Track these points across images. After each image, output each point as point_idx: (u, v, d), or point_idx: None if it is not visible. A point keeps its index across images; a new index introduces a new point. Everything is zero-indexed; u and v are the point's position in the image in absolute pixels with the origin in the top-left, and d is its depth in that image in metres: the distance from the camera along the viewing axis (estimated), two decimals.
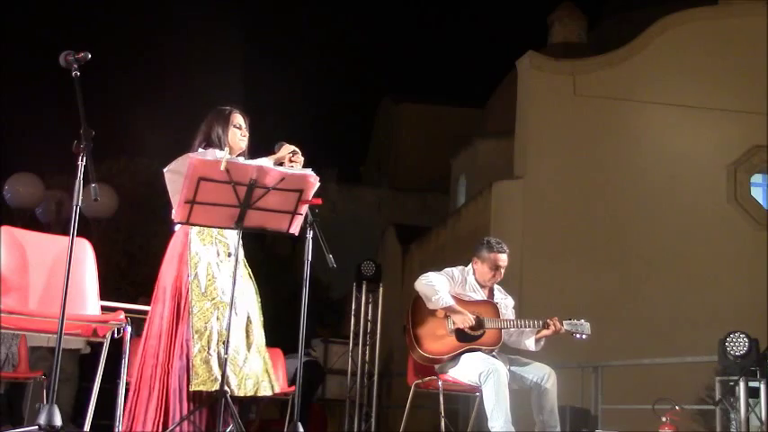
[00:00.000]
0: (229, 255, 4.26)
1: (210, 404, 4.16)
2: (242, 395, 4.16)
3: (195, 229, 4.26)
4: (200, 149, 4.25)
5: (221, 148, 4.35)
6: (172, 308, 4.16)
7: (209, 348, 4.09)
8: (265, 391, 4.23)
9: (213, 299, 4.17)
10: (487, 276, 5.59)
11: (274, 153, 4.32)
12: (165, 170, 4.06)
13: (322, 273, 4.24)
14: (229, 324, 4.00)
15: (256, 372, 4.23)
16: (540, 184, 15.16)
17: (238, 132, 4.48)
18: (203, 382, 4.04)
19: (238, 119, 4.51)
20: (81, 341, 8.66)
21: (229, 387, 4.09)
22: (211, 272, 4.21)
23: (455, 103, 27.95)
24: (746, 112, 15.34)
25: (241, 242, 4.36)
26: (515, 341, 5.67)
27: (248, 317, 4.29)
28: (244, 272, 4.41)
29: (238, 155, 4.40)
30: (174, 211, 3.99)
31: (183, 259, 4.25)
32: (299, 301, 4.09)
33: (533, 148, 15.42)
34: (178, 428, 4.02)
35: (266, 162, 4.10)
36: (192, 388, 4.04)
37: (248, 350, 4.23)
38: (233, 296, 4.04)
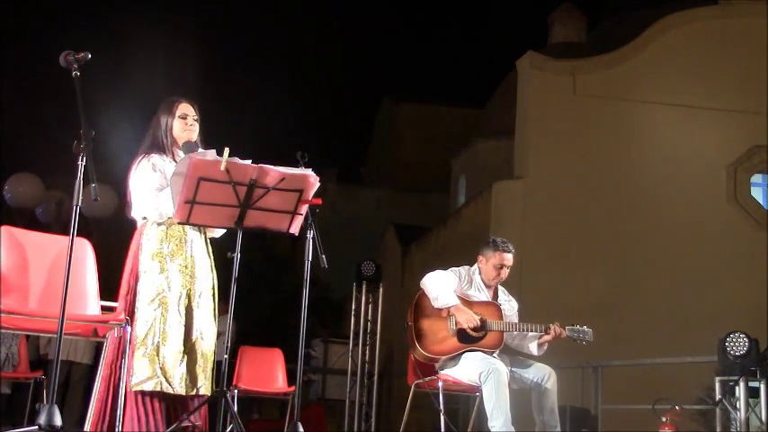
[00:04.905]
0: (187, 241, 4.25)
1: (211, 403, 4.17)
2: (184, 393, 4.14)
3: (148, 224, 4.27)
4: (144, 158, 4.27)
5: (165, 149, 4.34)
6: (128, 308, 4.17)
7: (149, 346, 4.08)
8: (207, 392, 4.19)
9: (159, 293, 4.17)
10: (492, 275, 5.60)
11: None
12: None
13: (322, 273, 4.20)
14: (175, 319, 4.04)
15: (197, 370, 4.20)
16: (540, 184, 15.16)
17: (181, 123, 4.39)
18: (143, 381, 4.05)
19: (183, 108, 4.42)
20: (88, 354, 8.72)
21: (171, 385, 4.08)
22: (162, 266, 4.21)
23: (455, 103, 27.97)
24: (746, 112, 15.35)
25: (197, 229, 4.34)
26: (518, 344, 5.68)
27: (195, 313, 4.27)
28: (207, 264, 4.38)
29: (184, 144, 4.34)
30: (174, 212, 3.99)
31: (136, 257, 4.25)
32: (299, 301, 4.09)
33: (533, 148, 15.43)
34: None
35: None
36: (132, 388, 4.04)
37: (187, 347, 4.20)
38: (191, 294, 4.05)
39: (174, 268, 4.23)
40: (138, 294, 4.16)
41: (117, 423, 4.03)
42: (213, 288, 4.38)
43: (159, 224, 4.25)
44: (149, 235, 4.26)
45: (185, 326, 4.20)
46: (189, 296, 4.24)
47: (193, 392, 4.17)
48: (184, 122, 4.40)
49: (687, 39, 16.13)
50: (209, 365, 4.23)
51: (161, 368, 4.07)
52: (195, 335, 4.22)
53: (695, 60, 15.89)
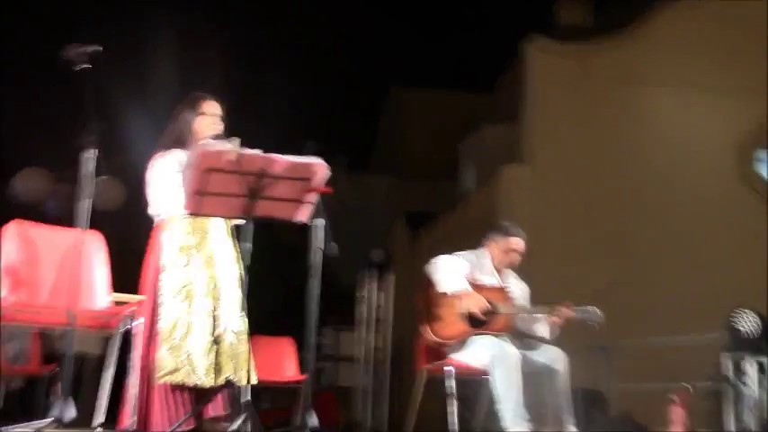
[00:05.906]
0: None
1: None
2: (210, 385, 4.15)
3: (172, 218, 4.28)
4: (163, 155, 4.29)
5: (185, 145, 4.33)
6: (150, 301, 4.19)
7: (176, 339, 4.11)
8: (241, 381, 4.20)
9: (185, 286, 4.19)
10: (502, 260, 5.59)
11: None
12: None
13: (332, 261, 4.20)
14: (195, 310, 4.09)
15: (224, 361, 4.22)
16: (548, 168, 15.12)
17: (207, 119, 4.38)
18: (169, 372, 4.07)
19: (207, 105, 4.41)
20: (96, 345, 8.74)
21: (197, 375, 4.09)
22: (189, 259, 4.23)
23: (463, 88, 27.84)
24: (758, 91, 15.23)
25: (228, 222, 4.37)
26: (528, 328, 5.66)
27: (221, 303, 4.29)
28: (231, 255, 4.40)
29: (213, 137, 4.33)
30: (184, 203, 3.99)
31: (157, 251, 4.27)
32: (309, 290, 4.09)
33: (541, 133, 15.38)
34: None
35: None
36: (158, 380, 4.06)
37: (215, 339, 4.21)
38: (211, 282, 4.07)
39: (199, 260, 4.25)
40: (162, 288, 4.17)
41: (132, 415, 4.05)
42: (240, 279, 4.36)
43: (185, 217, 4.24)
44: (174, 228, 4.27)
45: (212, 317, 4.22)
46: (215, 287, 4.26)
47: (220, 383, 4.17)
48: (209, 120, 4.38)
49: (694, 18, 16.00)
50: (242, 356, 4.23)
51: (187, 359, 4.09)
52: (222, 326, 4.24)
53: (703, 40, 15.77)
